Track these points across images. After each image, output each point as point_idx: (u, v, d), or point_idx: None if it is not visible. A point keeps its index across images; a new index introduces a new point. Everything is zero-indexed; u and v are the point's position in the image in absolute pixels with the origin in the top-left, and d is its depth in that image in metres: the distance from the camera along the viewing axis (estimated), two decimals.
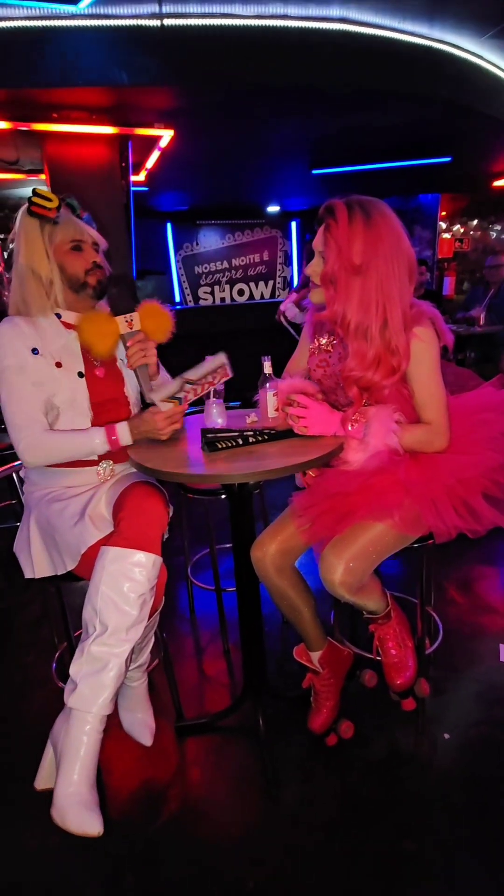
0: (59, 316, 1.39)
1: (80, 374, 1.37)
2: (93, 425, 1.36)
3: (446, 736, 1.51)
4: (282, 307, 3.91)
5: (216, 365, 1.36)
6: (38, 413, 1.32)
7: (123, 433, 1.32)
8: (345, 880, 1.17)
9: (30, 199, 1.33)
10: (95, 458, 1.38)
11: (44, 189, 1.35)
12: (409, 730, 1.54)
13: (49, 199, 1.32)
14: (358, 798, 1.35)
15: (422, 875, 1.17)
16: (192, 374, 1.35)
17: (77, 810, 1.08)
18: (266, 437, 1.30)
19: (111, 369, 1.44)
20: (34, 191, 1.33)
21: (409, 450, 1.28)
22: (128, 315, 1.33)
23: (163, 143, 4.08)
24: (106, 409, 1.40)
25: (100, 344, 1.32)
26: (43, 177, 4.07)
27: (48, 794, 1.14)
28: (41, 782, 1.26)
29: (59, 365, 1.34)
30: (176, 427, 1.33)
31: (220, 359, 1.37)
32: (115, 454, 1.39)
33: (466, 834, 1.25)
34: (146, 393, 1.37)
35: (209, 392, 1.38)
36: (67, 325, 1.39)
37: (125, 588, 1.17)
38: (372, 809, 1.32)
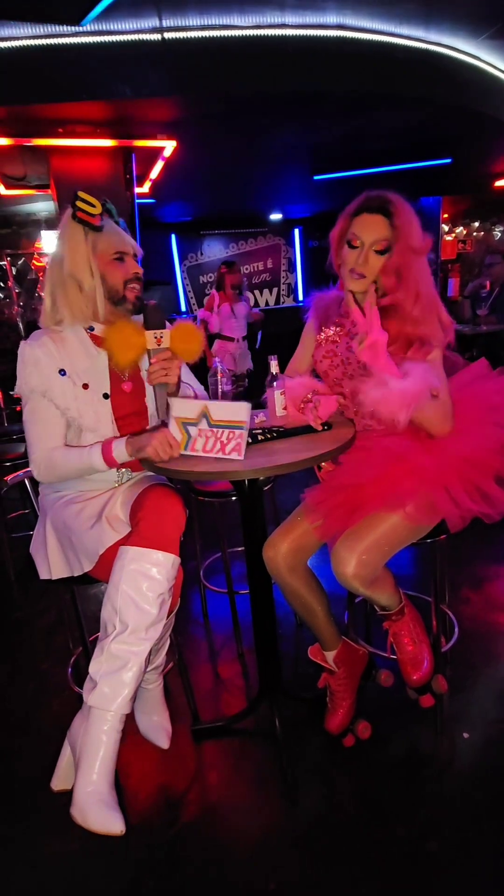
0: (91, 329, 1.37)
1: (106, 396, 1.36)
2: (120, 433, 1.37)
3: (466, 735, 1.49)
4: (205, 317, 4.10)
5: (237, 416, 1.18)
6: (53, 433, 1.33)
7: (119, 451, 1.27)
8: (367, 881, 1.15)
9: (74, 202, 1.28)
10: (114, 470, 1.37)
11: (86, 193, 1.29)
12: (428, 729, 1.52)
13: (93, 205, 1.28)
14: (378, 798, 1.33)
15: (446, 876, 1.15)
16: (215, 409, 1.20)
17: (98, 808, 1.08)
18: (275, 435, 1.31)
19: (137, 383, 1.42)
20: (77, 194, 1.29)
21: (424, 420, 1.25)
22: (158, 331, 1.27)
23: (166, 155, 4.14)
24: (129, 422, 1.40)
25: (122, 354, 1.28)
26: (53, 191, 4.13)
27: (67, 800, 1.13)
28: (58, 783, 1.25)
29: (85, 387, 1.34)
30: (172, 455, 1.22)
31: (243, 411, 1.18)
32: (133, 463, 1.39)
33: (490, 833, 1.23)
34: (160, 413, 1.32)
35: (217, 447, 1.21)
36: (97, 341, 1.37)
37: (144, 587, 1.17)
38: (393, 810, 1.30)
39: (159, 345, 1.28)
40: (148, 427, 1.42)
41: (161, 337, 1.28)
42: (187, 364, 1.40)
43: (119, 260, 1.34)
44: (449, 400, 1.28)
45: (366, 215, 1.28)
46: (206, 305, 4.31)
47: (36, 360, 1.32)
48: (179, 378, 1.33)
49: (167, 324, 1.31)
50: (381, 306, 1.27)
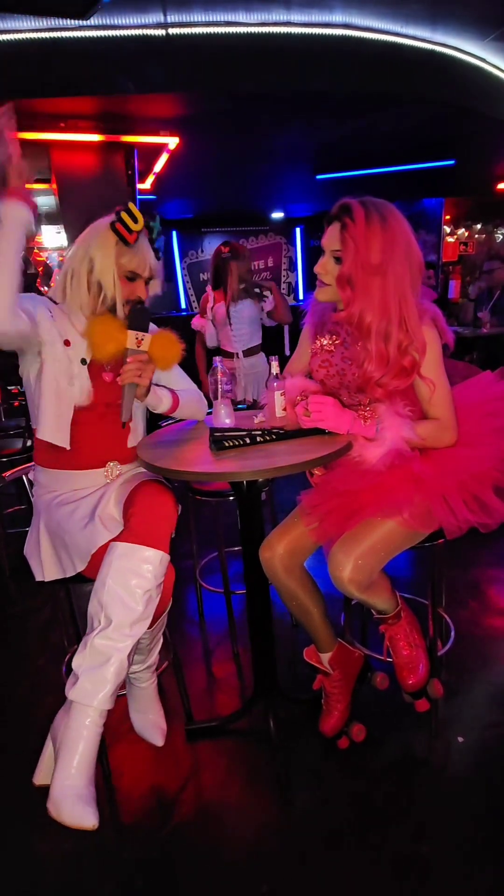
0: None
1: (83, 362, 1.36)
2: (99, 423, 1.36)
3: (460, 739, 1.49)
4: (198, 326, 3.07)
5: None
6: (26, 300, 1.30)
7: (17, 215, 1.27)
8: (359, 884, 1.15)
9: (118, 212, 1.29)
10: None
11: (136, 207, 1.30)
12: (423, 733, 1.52)
13: (136, 220, 1.29)
14: (372, 801, 1.33)
15: (439, 879, 1.15)
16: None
17: (72, 802, 1.07)
18: (274, 437, 1.30)
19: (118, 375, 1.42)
20: (128, 205, 1.30)
21: (421, 446, 1.28)
22: (140, 333, 1.29)
23: (168, 151, 4.12)
24: (101, 412, 1.38)
25: (100, 346, 1.29)
26: (54, 186, 4.11)
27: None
28: (39, 778, 1.25)
29: (83, 362, 1.35)
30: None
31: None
32: (122, 455, 1.39)
33: (483, 837, 1.22)
34: (124, 413, 1.31)
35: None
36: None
37: (132, 584, 1.17)
38: (386, 812, 1.30)
39: (138, 346, 1.29)
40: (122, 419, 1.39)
41: (142, 339, 1.29)
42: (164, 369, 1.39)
43: (130, 279, 1.34)
44: (449, 411, 1.28)
45: (330, 223, 1.27)
46: (200, 308, 3.16)
47: (53, 322, 1.32)
48: (151, 382, 1.33)
49: (151, 327, 1.32)
50: (353, 327, 1.27)
